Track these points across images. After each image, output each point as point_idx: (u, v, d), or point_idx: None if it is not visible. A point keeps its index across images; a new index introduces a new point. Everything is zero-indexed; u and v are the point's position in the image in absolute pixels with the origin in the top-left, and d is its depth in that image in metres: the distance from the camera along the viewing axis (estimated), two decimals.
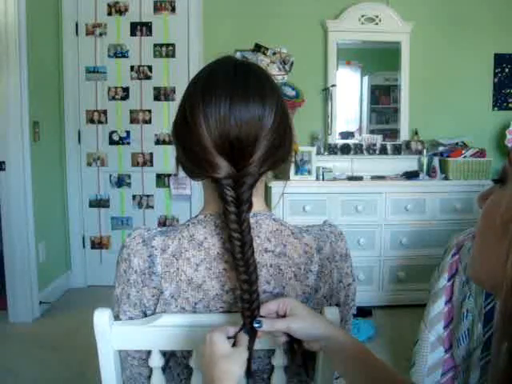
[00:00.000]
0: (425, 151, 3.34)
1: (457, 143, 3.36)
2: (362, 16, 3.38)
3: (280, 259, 0.79)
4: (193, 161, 0.77)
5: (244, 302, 0.73)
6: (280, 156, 0.80)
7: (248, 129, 0.75)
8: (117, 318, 0.82)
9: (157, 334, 0.79)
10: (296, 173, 3.11)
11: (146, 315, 0.81)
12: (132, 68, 3.47)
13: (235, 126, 0.74)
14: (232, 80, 0.77)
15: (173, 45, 3.45)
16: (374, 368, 0.74)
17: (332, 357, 0.77)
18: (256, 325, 0.72)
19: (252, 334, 0.72)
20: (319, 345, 0.76)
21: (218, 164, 0.74)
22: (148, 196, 3.54)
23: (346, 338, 0.75)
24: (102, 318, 0.78)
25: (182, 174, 0.83)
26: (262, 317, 0.73)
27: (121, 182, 3.54)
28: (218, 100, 0.75)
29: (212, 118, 0.74)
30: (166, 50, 3.46)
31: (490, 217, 0.50)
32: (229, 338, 0.71)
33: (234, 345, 0.70)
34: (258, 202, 0.82)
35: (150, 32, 3.44)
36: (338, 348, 0.75)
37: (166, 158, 3.47)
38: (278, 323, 0.73)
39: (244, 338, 0.71)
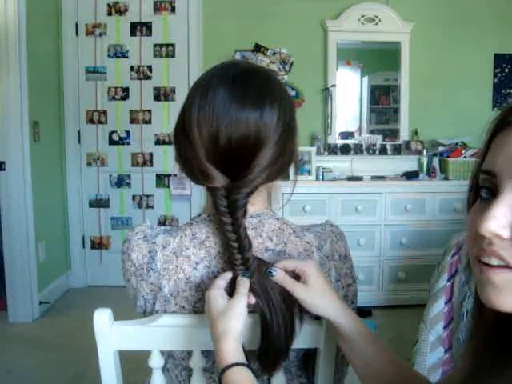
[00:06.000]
0: (425, 151, 3.34)
1: (457, 143, 3.36)
2: (362, 16, 3.38)
3: (279, 257, 0.80)
4: (187, 169, 0.77)
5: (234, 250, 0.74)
6: (281, 165, 0.79)
7: (243, 142, 0.73)
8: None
9: (157, 334, 0.79)
10: (296, 173, 3.11)
11: (145, 309, 0.82)
12: (132, 68, 3.46)
13: (228, 139, 0.73)
14: (229, 90, 0.74)
15: (173, 45, 3.45)
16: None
17: (336, 336, 0.76)
18: (271, 272, 0.73)
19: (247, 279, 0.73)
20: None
21: (211, 174, 0.73)
22: (148, 196, 3.54)
23: (354, 328, 0.73)
24: (101, 318, 0.78)
25: (181, 174, 0.83)
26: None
27: (121, 182, 3.54)
28: (212, 111, 0.73)
29: (205, 129, 0.73)
30: (165, 50, 3.46)
31: None
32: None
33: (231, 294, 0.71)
34: (261, 203, 0.83)
35: (149, 32, 3.44)
36: (344, 335, 0.74)
37: (166, 158, 3.47)
38: (288, 280, 0.73)
39: (240, 285, 0.71)
